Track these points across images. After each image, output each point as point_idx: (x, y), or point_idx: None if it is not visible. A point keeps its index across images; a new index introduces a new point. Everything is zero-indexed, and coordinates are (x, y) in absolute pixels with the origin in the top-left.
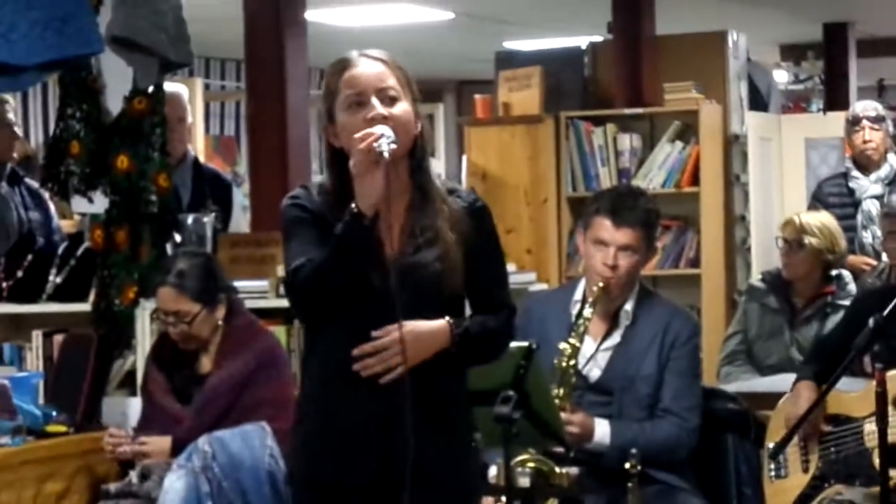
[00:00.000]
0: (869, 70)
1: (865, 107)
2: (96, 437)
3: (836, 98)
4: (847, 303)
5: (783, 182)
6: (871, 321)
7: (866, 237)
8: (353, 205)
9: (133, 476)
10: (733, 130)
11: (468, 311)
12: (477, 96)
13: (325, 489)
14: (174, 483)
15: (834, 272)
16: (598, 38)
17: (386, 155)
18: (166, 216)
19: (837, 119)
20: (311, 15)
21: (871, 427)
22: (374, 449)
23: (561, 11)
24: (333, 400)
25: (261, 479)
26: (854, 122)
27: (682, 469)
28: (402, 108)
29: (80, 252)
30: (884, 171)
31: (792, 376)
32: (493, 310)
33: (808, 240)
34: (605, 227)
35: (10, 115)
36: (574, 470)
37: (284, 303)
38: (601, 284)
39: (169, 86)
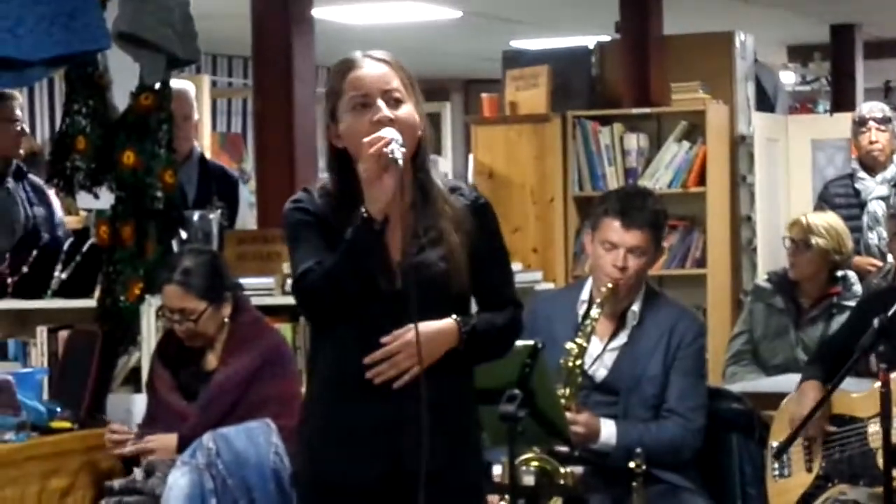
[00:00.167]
0: (876, 71)
1: (872, 108)
2: (100, 434)
3: (842, 99)
4: (853, 303)
5: (789, 183)
6: (875, 321)
7: (872, 238)
8: (363, 209)
9: (137, 473)
10: (740, 131)
11: (473, 309)
12: (484, 95)
13: (331, 491)
14: (178, 480)
15: (840, 273)
16: (606, 38)
17: (400, 162)
18: (172, 212)
19: (844, 120)
20: (318, 12)
21: (875, 427)
22: (382, 452)
23: (568, 11)
24: (340, 402)
25: (265, 477)
26: (860, 124)
27: (686, 469)
28: (407, 110)
29: (85, 248)
30: (890, 172)
31: (797, 376)
32: (499, 306)
33: (814, 240)
34: (613, 228)
35: (18, 112)
36: (578, 469)
37: (290, 300)
38: (610, 286)
39: (175, 83)
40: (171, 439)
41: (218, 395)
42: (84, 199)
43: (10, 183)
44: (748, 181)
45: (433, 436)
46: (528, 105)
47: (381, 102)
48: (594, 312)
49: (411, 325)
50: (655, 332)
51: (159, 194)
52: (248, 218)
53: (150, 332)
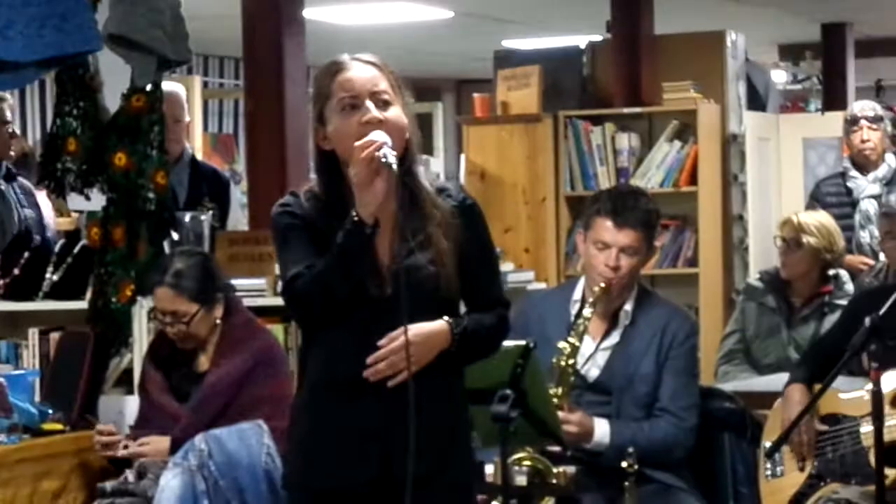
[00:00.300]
0: (867, 70)
1: (863, 107)
2: (92, 436)
3: (834, 98)
4: (845, 302)
5: (781, 182)
6: (867, 320)
7: (864, 237)
8: (353, 213)
9: (129, 474)
10: (731, 130)
11: (462, 310)
12: (476, 95)
13: (320, 494)
14: (170, 481)
15: (832, 272)
16: (597, 38)
17: (394, 167)
18: (164, 214)
19: (835, 119)
20: (309, 13)
21: (867, 426)
22: (372, 455)
23: (560, 11)
24: (331, 405)
25: (257, 478)
26: (852, 122)
27: (678, 468)
28: (395, 112)
29: (76, 250)
30: (881, 170)
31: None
32: (487, 307)
33: (806, 239)
34: (606, 228)
35: (8, 114)
36: (571, 468)
37: (282, 301)
38: (602, 285)
39: (166, 85)
40: (163, 441)
41: (210, 396)
42: (75, 201)
43: (2, 185)
44: (740, 180)
45: (423, 440)
46: (520, 105)
47: (369, 104)
48: (586, 312)
49: (406, 327)
50: (648, 332)
51: (151, 196)
52: (239, 219)
53: (141, 333)
